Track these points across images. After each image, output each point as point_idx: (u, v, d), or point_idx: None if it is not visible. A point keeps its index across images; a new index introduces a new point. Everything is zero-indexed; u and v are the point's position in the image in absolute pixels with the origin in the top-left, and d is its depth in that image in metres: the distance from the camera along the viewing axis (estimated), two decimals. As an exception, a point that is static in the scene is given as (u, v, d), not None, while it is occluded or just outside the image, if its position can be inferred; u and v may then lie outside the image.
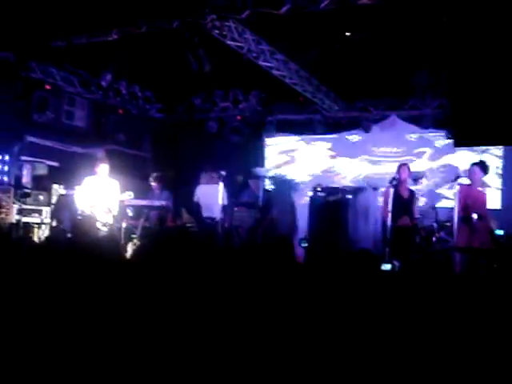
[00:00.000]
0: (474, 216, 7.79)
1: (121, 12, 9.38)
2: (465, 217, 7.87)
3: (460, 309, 3.09)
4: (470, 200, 7.95)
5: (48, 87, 11.67)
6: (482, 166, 8.24)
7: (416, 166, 12.18)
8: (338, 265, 3.78)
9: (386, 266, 7.30)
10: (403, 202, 8.63)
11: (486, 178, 8.88)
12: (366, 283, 3.45)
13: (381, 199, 9.70)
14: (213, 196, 10.61)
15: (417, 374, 2.54)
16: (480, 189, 8.40)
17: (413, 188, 9.28)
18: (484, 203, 8.14)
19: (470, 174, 8.21)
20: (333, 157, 13.55)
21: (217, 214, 10.59)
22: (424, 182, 11.52)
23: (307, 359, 2.59)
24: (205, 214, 10.83)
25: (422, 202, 10.06)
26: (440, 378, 2.54)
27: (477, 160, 8.88)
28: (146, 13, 9.45)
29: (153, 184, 11.28)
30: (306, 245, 9.99)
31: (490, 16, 8.66)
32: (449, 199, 10.83)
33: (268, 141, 14.09)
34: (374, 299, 3.18)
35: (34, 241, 9.61)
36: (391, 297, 3.28)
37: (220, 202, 10.50)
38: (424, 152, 12.53)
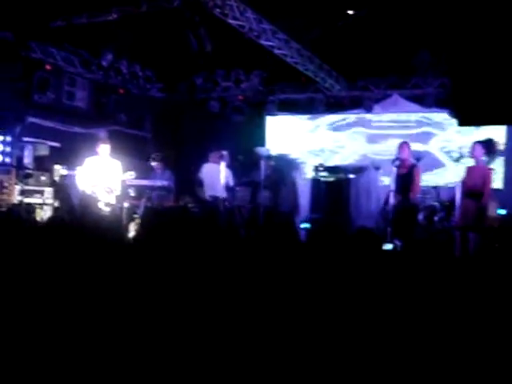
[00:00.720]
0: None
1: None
2: (462, 194, 7.93)
3: (458, 289, 3.10)
4: (469, 178, 7.99)
5: (48, 67, 11.60)
6: (486, 145, 8.23)
7: (418, 145, 12.18)
8: (341, 244, 3.79)
9: (388, 246, 7.32)
10: (401, 181, 8.58)
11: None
12: (368, 262, 3.46)
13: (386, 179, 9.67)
14: (217, 176, 10.67)
15: (421, 357, 2.55)
16: (485, 166, 8.38)
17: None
18: (482, 180, 8.10)
19: (471, 151, 8.23)
20: (335, 135, 13.54)
21: (220, 192, 10.64)
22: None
23: (310, 339, 2.60)
24: (208, 192, 10.87)
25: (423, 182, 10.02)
26: (443, 360, 2.55)
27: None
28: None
29: (154, 164, 11.30)
30: (308, 226, 10.02)
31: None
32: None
33: (270, 120, 14.07)
34: (375, 278, 3.19)
35: (36, 221, 9.63)
36: (392, 276, 3.29)
37: (223, 181, 10.55)
38: (426, 131, 12.51)
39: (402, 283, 3.19)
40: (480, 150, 8.16)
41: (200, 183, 11.03)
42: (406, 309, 2.88)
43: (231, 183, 10.97)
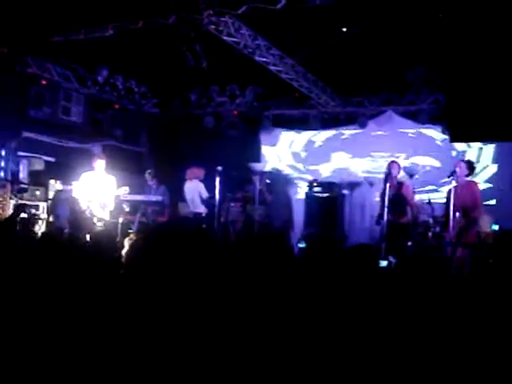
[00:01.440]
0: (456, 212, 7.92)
1: (117, 7, 9.38)
2: (453, 212, 7.97)
3: (452, 306, 3.11)
4: (457, 196, 8.05)
5: (44, 82, 11.65)
6: (468, 165, 8.37)
7: (411, 161, 12.25)
8: (335, 260, 3.81)
9: (383, 263, 7.33)
10: (390, 199, 8.62)
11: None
12: (363, 280, 3.48)
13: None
14: (196, 192, 10.77)
15: (415, 371, 2.56)
16: (469, 180, 8.43)
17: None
18: (471, 196, 8.16)
19: (456, 167, 8.30)
20: (330, 152, 13.58)
21: (201, 209, 10.74)
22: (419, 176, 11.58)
23: (304, 353, 2.61)
24: (190, 209, 10.99)
25: (417, 196, 10.07)
26: (438, 372, 2.56)
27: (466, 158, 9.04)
28: (143, 8, 9.44)
29: (149, 179, 11.34)
30: (304, 245, 10.03)
31: (485, 12, 8.68)
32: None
33: (264, 135, 14.10)
34: (370, 296, 3.20)
35: (31, 236, 9.62)
36: (387, 293, 3.30)
37: (205, 195, 10.66)
38: (420, 147, 12.56)
39: (395, 300, 3.21)
40: (465, 169, 8.27)
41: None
42: (399, 324, 2.89)
43: (204, 196, 10.96)
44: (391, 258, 7.44)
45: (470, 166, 8.35)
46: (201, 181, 11.05)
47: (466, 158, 9.60)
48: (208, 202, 10.80)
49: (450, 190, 8.21)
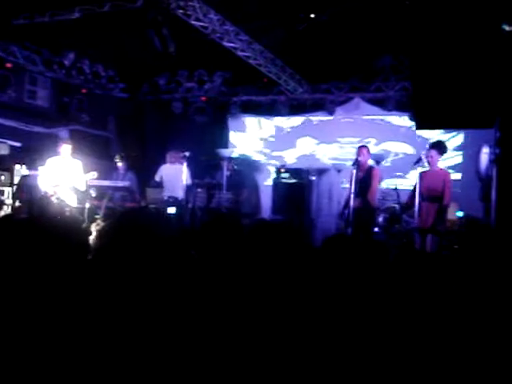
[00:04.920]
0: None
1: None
2: (420, 198, 8.07)
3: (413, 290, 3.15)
4: (427, 182, 8.15)
5: (9, 65, 11.47)
6: (439, 147, 8.47)
7: (380, 147, 12.35)
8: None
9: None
10: (359, 184, 8.66)
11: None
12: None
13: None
14: (177, 176, 10.65)
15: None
16: (441, 168, 8.60)
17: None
18: (442, 184, 8.31)
19: (427, 156, 8.42)
20: (297, 138, 13.63)
21: (180, 194, 10.64)
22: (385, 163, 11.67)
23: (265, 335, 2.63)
24: (168, 193, 10.89)
25: (383, 183, 10.16)
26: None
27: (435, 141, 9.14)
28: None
29: (118, 164, 11.28)
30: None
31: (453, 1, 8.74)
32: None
33: (232, 121, 14.10)
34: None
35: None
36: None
37: (184, 182, 10.55)
38: (387, 134, 12.67)
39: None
40: (436, 155, 8.40)
41: (157, 184, 11.09)
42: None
43: (189, 182, 10.94)
44: None
45: (440, 147, 8.46)
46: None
47: (435, 140, 9.69)
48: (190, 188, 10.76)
49: (418, 176, 8.30)
